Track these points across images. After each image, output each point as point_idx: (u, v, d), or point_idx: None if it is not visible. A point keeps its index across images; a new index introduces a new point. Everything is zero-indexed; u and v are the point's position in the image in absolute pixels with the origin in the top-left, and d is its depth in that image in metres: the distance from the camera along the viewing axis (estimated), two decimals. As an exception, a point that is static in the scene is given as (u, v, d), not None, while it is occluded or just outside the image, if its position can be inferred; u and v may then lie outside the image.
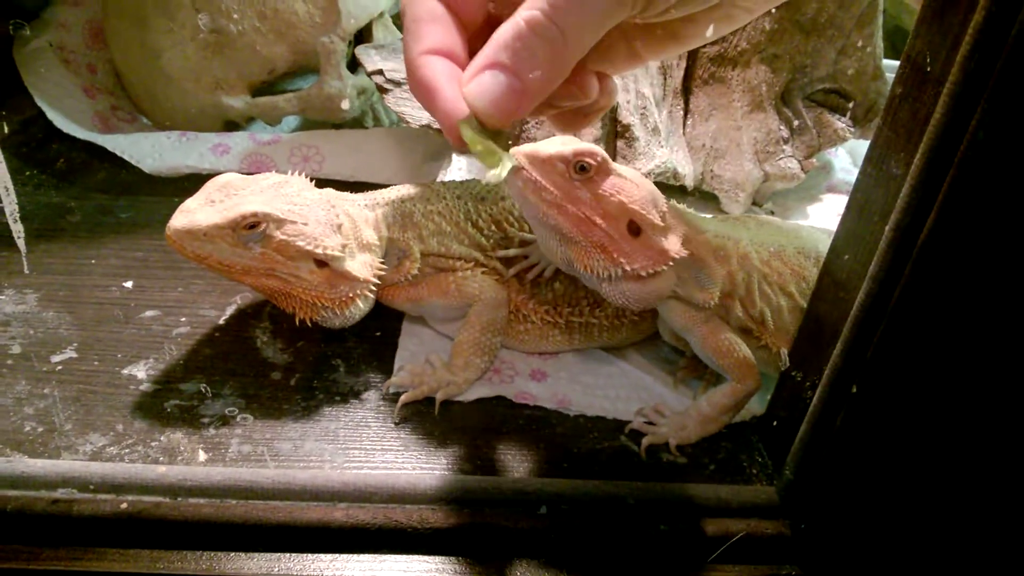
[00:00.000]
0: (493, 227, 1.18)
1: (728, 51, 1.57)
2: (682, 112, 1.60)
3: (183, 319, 1.20)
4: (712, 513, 1.00)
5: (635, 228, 0.95)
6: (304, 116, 1.63)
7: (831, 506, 0.97)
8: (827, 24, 1.53)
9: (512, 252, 1.17)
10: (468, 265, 1.16)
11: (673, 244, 0.96)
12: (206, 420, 1.05)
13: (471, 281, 1.14)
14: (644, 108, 1.49)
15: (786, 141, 1.59)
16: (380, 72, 1.45)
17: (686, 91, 1.61)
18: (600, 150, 0.93)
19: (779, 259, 1.10)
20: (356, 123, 1.66)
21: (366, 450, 1.03)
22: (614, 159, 1.49)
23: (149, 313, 1.21)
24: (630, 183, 0.94)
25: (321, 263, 1.07)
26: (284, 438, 1.04)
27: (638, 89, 1.49)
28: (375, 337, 1.22)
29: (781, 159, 1.59)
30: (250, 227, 1.03)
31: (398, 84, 1.45)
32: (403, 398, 1.10)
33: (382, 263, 1.15)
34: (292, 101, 1.58)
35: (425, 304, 1.18)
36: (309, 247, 1.05)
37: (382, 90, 1.45)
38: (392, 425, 1.08)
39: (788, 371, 1.06)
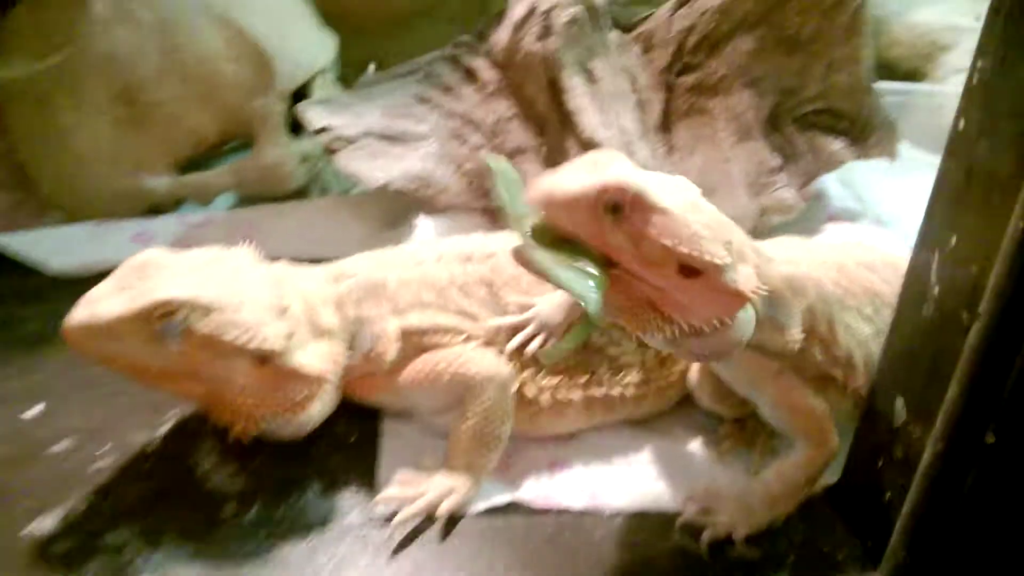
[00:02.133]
0: (484, 291, 0.93)
1: (707, 79, 1.37)
2: (664, 149, 1.38)
3: (106, 448, 0.92)
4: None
5: (691, 271, 0.71)
6: (240, 192, 1.38)
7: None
8: (812, 38, 1.34)
9: (508, 321, 0.92)
10: (459, 339, 0.90)
11: (747, 280, 0.71)
12: (142, 582, 0.76)
13: (465, 359, 0.88)
14: (629, 144, 1.27)
15: (780, 170, 1.38)
16: (327, 129, 1.21)
17: (666, 127, 1.40)
18: (632, 180, 0.69)
19: (846, 277, 0.87)
20: (300, 195, 1.42)
21: (357, 597, 0.76)
22: (602, 204, 1.26)
23: (61, 445, 0.92)
24: (675, 216, 0.69)
25: (261, 359, 0.83)
26: (246, 594, 0.76)
27: (620, 124, 1.27)
28: (350, 444, 0.95)
29: (776, 190, 1.38)
30: (165, 317, 0.78)
31: (350, 141, 1.21)
32: (397, 519, 0.83)
33: (343, 351, 0.89)
34: (225, 176, 1.33)
35: (410, 395, 0.91)
36: (242, 340, 0.81)
37: (330, 150, 1.21)
38: (387, 556, 0.81)
39: (869, 420, 0.82)
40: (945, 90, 1.71)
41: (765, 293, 0.73)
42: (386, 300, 0.92)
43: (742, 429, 0.97)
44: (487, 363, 0.88)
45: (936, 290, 0.66)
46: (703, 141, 1.38)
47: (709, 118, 1.38)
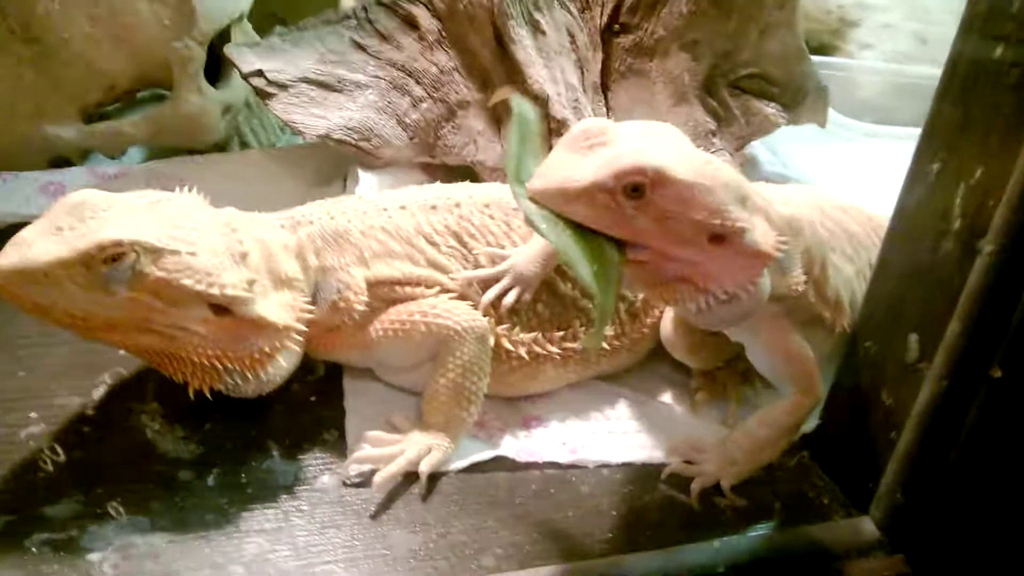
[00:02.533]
0: (452, 241, 0.87)
1: (644, 40, 1.35)
2: (604, 109, 1.36)
3: (32, 415, 0.80)
4: (819, 563, 0.73)
5: (718, 238, 0.67)
6: (155, 143, 1.25)
7: (957, 533, 0.73)
8: (747, 2, 1.34)
9: (481, 273, 0.86)
10: (431, 291, 0.84)
11: (766, 237, 0.69)
12: (95, 556, 0.66)
13: (440, 311, 0.82)
14: (576, 101, 1.23)
15: (715, 133, 1.38)
16: (260, 73, 1.11)
17: (604, 87, 1.37)
18: (649, 158, 0.65)
19: (828, 218, 0.86)
20: (219, 148, 1.30)
21: (345, 562, 0.69)
22: (550, 160, 1.22)
23: (-22, 413, 0.80)
24: (698, 185, 0.66)
25: (220, 308, 0.74)
26: (219, 565, 0.67)
27: (567, 80, 1.23)
28: (310, 403, 0.87)
29: (712, 152, 1.38)
30: (112, 261, 0.69)
31: (284, 87, 1.12)
32: (376, 480, 0.76)
33: (309, 302, 0.81)
34: (140, 125, 1.20)
35: (380, 350, 0.84)
36: (200, 286, 0.72)
37: (263, 95, 1.11)
38: (368, 520, 0.74)
39: (852, 364, 0.82)
40: (854, 64, 1.76)
41: (785, 249, 0.71)
42: (350, 249, 0.84)
43: (713, 380, 0.95)
44: (464, 315, 0.82)
45: (958, 223, 0.65)
46: (640, 103, 1.35)
47: (646, 80, 1.36)
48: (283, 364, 0.80)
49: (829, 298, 0.83)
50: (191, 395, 0.76)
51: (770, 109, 1.39)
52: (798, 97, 1.41)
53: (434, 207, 0.89)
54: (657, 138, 0.68)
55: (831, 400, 0.86)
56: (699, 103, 1.37)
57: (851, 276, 0.86)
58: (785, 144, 1.56)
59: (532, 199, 0.65)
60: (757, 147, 1.59)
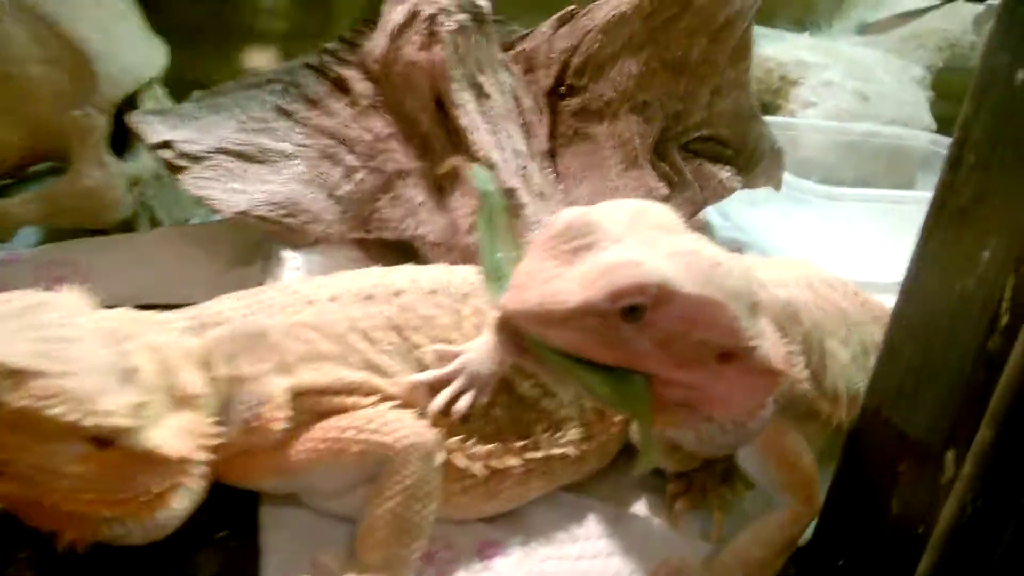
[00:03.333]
0: (393, 337, 0.72)
1: (592, 102, 1.23)
2: (552, 176, 1.23)
3: None
4: None
5: (727, 355, 0.56)
6: (51, 224, 1.08)
7: None
8: (699, 61, 1.24)
9: (429, 376, 0.72)
10: (368, 400, 0.69)
11: (776, 348, 0.58)
12: None
13: (378, 425, 0.67)
14: (524, 168, 1.10)
15: (667, 199, 1.27)
16: (168, 144, 0.95)
17: (552, 152, 1.25)
18: (650, 272, 0.52)
19: (819, 296, 0.74)
20: (126, 228, 1.13)
21: None
22: (499, 233, 1.09)
23: None
24: (708, 300, 0.54)
25: (102, 441, 0.58)
26: None
27: (514, 147, 1.11)
28: (218, 542, 0.71)
29: (666, 220, 1.27)
30: None
31: (197, 159, 0.96)
32: (300, 646, 0.60)
33: (216, 423, 0.65)
34: (32, 203, 1.03)
35: (304, 476, 0.69)
36: (72, 416, 0.56)
37: (173, 168, 0.95)
38: None
39: (854, 462, 0.69)
40: (798, 122, 1.70)
41: (801, 369, 0.59)
42: (268, 353, 0.69)
43: (691, 484, 0.82)
44: (407, 428, 0.67)
45: (1006, 319, 0.53)
46: (590, 168, 1.24)
47: (595, 144, 1.25)
48: (184, 502, 0.63)
49: (827, 389, 0.71)
50: (58, 550, 0.59)
51: (725, 173, 1.29)
52: (753, 159, 1.32)
53: (370, 297, 0.74)
54: (653, 234, 0.55)
55: (827, 509, 0.73)
56: (651, 167, 1.25)
57: (847, 362, 0.74)
58: (737, 208, 1.46)
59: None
60: (710, 211, 1.49)
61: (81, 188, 1.03)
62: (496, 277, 0.57)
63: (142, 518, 0.61)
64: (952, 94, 1.92)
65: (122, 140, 1.12)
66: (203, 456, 0.63)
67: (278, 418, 0.66)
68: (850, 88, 1.75)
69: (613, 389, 0.53)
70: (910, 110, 1.77)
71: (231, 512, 0.73)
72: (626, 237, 0.54)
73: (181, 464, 0.62)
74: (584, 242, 0.54)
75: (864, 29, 1.99)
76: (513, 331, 0.54)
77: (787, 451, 0.67)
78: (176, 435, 0.62)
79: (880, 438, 0.67)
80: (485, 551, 0.73)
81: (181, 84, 1.18)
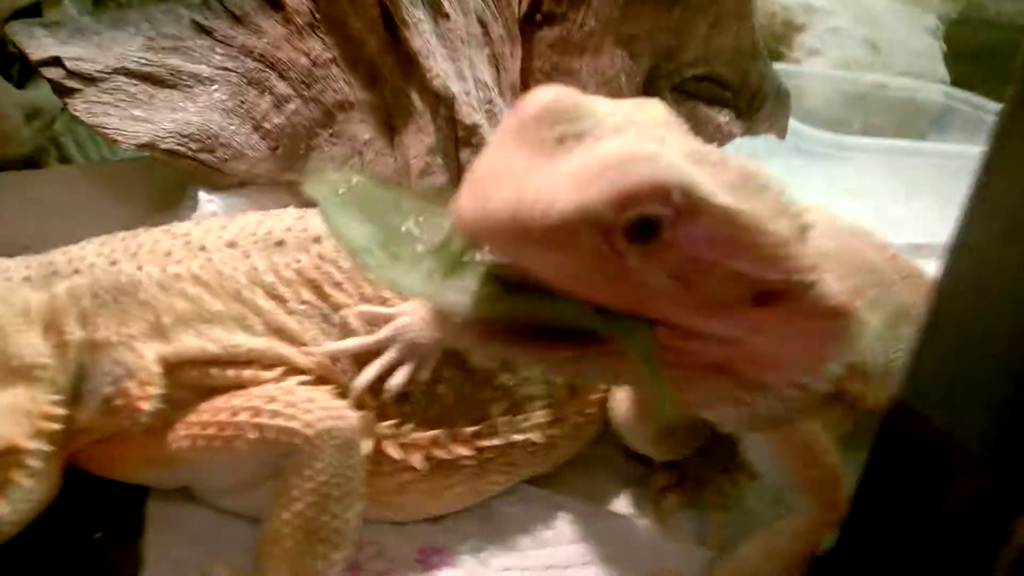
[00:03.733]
0: (307, 294, 0.57)
1: (573, 33, 1.07)
2: (526, 116, 1.07)
3: None
4: None
5: (769, 296, 0.40)
6: (-71, 159, 0.91)
7: None
8: (695, -12, 1.09)
9: (353, 344, 0.56)
10: (272, 373, 0.53)
11: (832, 280, 0.41)
12: None
13: (281, 405, 0.51)
14: (490, 103, 0.94)
15: (657, 146, 1.12)
16: (56, 61, 0.78)
17: (524, 88, 1.09)
18: (673, 170, 0.36)
19: (843, 247, 0.60)
20: (28, 166, 0.96)
21: None
22: (459, 177, 0.93)
23: None
24: (746, 215, 0.38)
25: None
26: None
27: (477, 76, 0.94)
28: (92, 545, 0.55)
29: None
30: None
31: (91, 80, 0.79)
32: None
33: (62, 401, 0.50)
34: (-99, 135, 0.86)
35: (185, 469, 0.53)
36: None
37: (62, 90, 0.78)
38: None
39: (890, 453, 0.54)
40: (802, 70, 1.54)
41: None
42: (138, 311, 0.53)
43: (683, 476, 0.67)
44: (321, 410, 0.51)
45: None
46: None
47: (574, 81, 1.08)
48: (20, 500, 0.48)
49: (855, 365, 0.55)
50: None
51: (723, 117, 1.13)
52: (755, 103, 1.16)
53: (281, 243, 0.58)
54: (662, 131, 0.39)
55: (854, 510, 0.58)
56: (639, 109, 1.10)
57: (878, 330, 0.59)
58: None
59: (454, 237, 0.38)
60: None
61: (-38, 117, 0.86)
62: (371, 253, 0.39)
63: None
64: (967, 48, 1.77)
65: (22, 66, 0.95)
66: (43, 445, 0.48)
67: (147, 395, 0.50)
68: (859, 36, 1.59)
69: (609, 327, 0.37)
70: (923, 61, 1.62)
71: (112, 506, 0.57)
72: (630, 129, 0.38)
73: (10, 455, 0.46)
74: (573, 129, 0.37)
75: (872, -26, 1.83)
76: (459, 338, 0.38)
77: (808, 444, 0.52)
78: (4, 417, 0.46)
79: (921, 431, 0.53)
80: (428, 559, 0.58)
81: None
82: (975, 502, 0.48)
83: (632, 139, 0.38)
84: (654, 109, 0.44)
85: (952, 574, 0.51)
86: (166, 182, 0.93)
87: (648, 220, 0.36)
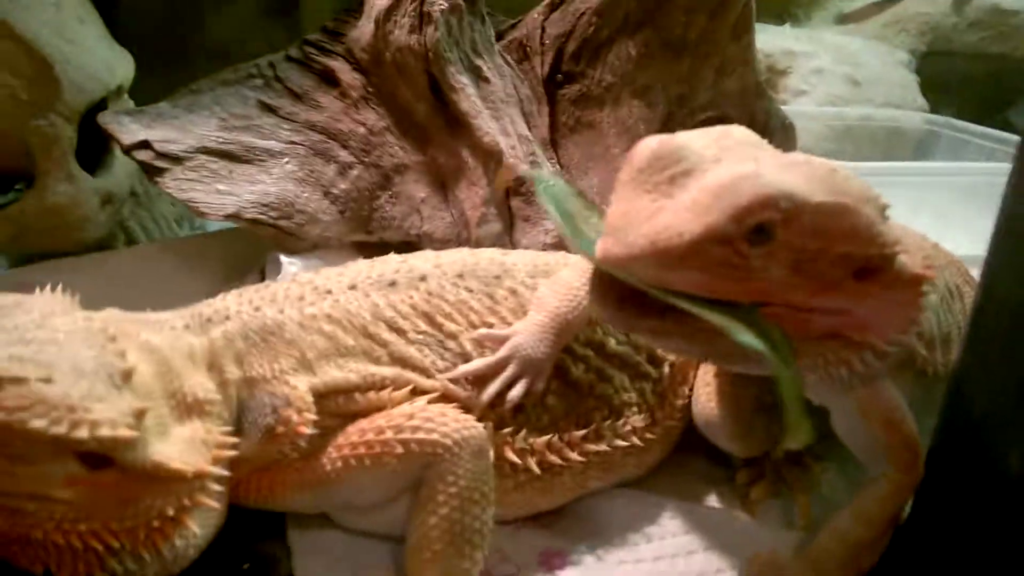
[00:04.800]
0: (423, 325, 0.63)
1: (592, 89, 1.16)
2: (557, 167, 1.16)
3: None
4: None
5: (865, 271, 0.49)
6: (17, 247, 0.98)
7: None
8: (700, 40, 1.18)
9: (477, 365, 0.62)
10: (404, 395, 0.59)
11: (913, 252, 0.52)
12: None
13: (420, 421, 0.57)
14: (533, 155, 1.03)
15: (677, 186, 1.20)
16: (145, 144, 0.86)
17: (553, 143, 1.17)
18: (773, 184, 0.45)
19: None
20: (101, 248, 1.02)
21: None
22: (511, 223, 1.01)
23: None
24: (841, 206, 0.47)
25: (93, 458, 0.48)
26: None
27: (519, 132, 1.03)
28: (241, 573, 0.60)
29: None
30: None
31: (178, 159, 0.87)
32: None
33: (231, 432, 0.55)
34: (-7, 225, 0.92)
35: (339, 488, 0.58)
36: (59, 428, 0.46)
37: (152, 171, 0.86)
38: None
39: (958, 418, 0.61)
40: (792, 110, 1.65)
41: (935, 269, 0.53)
42: (286, 350, 0.59)
43: (762, 472, 0.73)
44: (455, 422, 0.58)
45: None
46: (596, 159, 1.16)
47: (598, 133, 1.17)
48: (197, 531, 0.53)
49: (925, 334, 0.63)
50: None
51: (735, 154, 1.22)
52: (763, 138, 1.25)
53: (393, 283, 0.65)
54: (750, 151, 0.49)
55: (929, 473, 0.64)
56: (658, 153, 1.18)
57: (935, 304, 0.67)
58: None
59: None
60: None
61: (48, 205, 0.93)
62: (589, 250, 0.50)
63: (158, 546, 0.50)
64: (938, 79, 1.89)
65: (93, 155, 1.02)
66: (219, 471, 0.53)
67: (306, 420, 0.57)
68: (840, 74, 1.71)
69: (751, 330, 0.45)
70: (901, 92, 1.73)
71: (251, 541, 0.62)
72: (724, 157, 0.47)
73: (194, 480, 0.52)
74: (680, 169, 0.46)
75: (843, 19, 1.97)
76: (611, 286, 0.46)
77: (891, 408, 0.59)
78: (186, 447, 0.52)
79: (989, 386, 0.59)
80: (550, 561, 0.63)
81: (151, 91, 1.08)
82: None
83: (732, 164, 0.47)
84: (738, 132, 0.53)
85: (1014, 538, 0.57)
86: (237, 252, 1.00)
87: (763, 226, 0.45)
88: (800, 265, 0.46)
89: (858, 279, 0.49)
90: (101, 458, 0.48)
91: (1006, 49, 1.89)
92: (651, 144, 0.49)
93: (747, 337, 0.45)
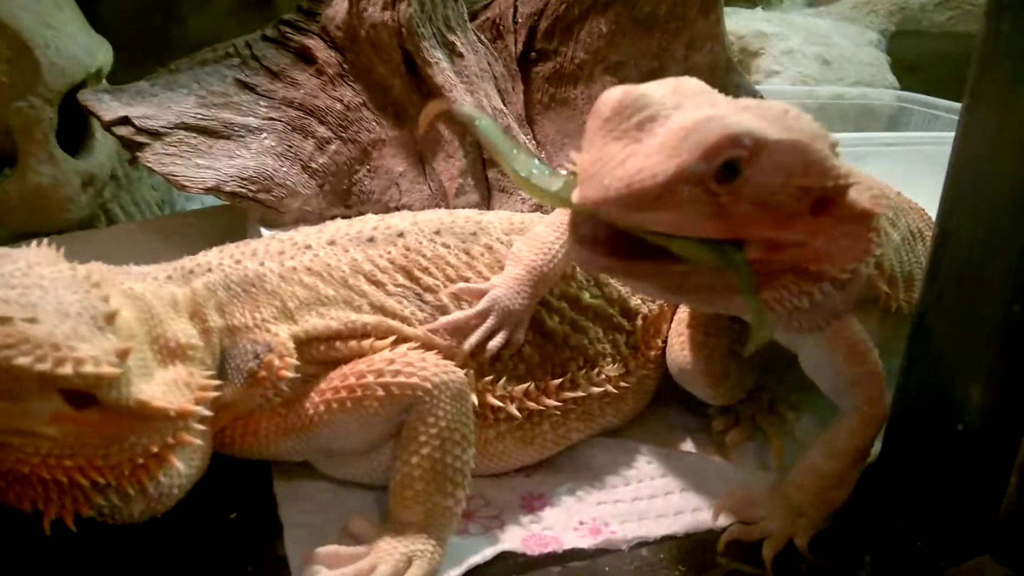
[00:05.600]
0: (401, 279, 0.65)
1: (565, 66, 1.18)
2: (532, 143, 1.18)
3: None
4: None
5: (820, 203, 0.52)
6: (0, 228, 0.98)
7: None
8: (668, 16, 1.21)
9: (457, 317, 0.64)
10: (386, 342, 0.61)
11: (859, 192, 0.55)
12: None
13: (400, 365, 0.59)
14: (508, 127, 1.04)
15: (652, 160, 1.22)
16: (125, 120, 0.87)
17: (528, 120, 1.19)
18: (738, 123, 0.48)
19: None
20: (85, 227, 1.03)
21: None
22: (488, 193, 1.03)
23: None
24: (799, 143, 0.50)
25: (78, 396, 0.49)
26: None
27: (494, 106, 1.05)
28: (229, 522, 0.61)
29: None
30: None
31: (157, 135, 0.88)
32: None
33: (212, 376, 0.57)
34: (-25, 206, 0.94)
35: (322, 433, 0.60)
36: (44, 365, 0.47)
37: (133, 146, 0.87)
38: None
39: (926, 350, 0.63)
40: (764, 89, 1.68)
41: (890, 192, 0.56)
42: (267, 299, 0.61)
43: (737, 418, 0.75)
44: (434, 367, 0.59)
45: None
46: (570, 135, 1.18)
47: (572, 110, 1.19)
48: (181, 468, 0.54)
49: (884, 269, 0.65)
50: (46, 529, 0.50)
51: (708, 127, 1.25)
52: (735, 112, 1.28)
53: (371, 239, 0.67)
54: (707, 97, 0.52)
55: (897, 409, 0.66)
56: (632, 128, 1.20)
57: (898, 243, 0.69)
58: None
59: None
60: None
61: (30, 186, 0.94)
62: (539, 182, 0.51)
63: (142, 483, 0.51)
64: (907, 57, 1.93)
65: (75, 140, 1.04)
66: (202, 411, 0.54)
67: (287, 365, 0.58)
68: (811, 54, 1.74)
69: (720, 260, 0.48)
70: (872, 70, 1.77)
71: (238, 491, 0.64)
72: (684, 103, 0.49)
73: (177, 419, 0.53)
74: (645, 115, 0.48)
75: (813, 1, 2.00)
76: (592, 229, 0.48)
77: (855, 341, 0.61)
78: (169, 388, 0.54)
79: (950, 323, 0.62)
80: (531, 503, 0.65)
81: (131, 74, 1.09)
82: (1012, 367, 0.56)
83: (694, 109, 0.49)
84: (691, 83, 0.55)
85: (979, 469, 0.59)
86: (218, 229, 1.00)
87: (730, 163, 0.47)
88: (764, 200, 0.49)
89: (814, 214, 0.51)
90: (85, 396, 0.49)
91: (973, 28, 1.91)
92: (615, 94, 0.51)
93: (705, 255, 0.47)
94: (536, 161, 0.52)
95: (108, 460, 0.50)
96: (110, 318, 0.51)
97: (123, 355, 0.50)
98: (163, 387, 0.53)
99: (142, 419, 0.51)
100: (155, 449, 0.52)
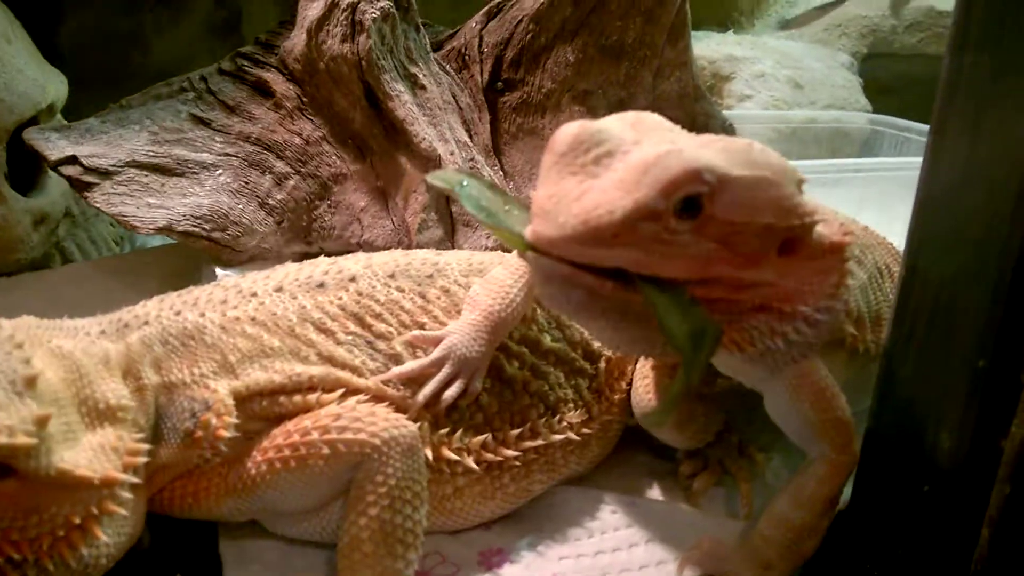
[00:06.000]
0: (352, 326, 0.62)
1: (532, 96, 1.17)
2: (501, 174, 1.16)
3: None
4: None
5: (789, 244, 0.51)
6: (-56, 270, 0.95)
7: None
8: (636, 44, 1.20)
9: (410, 367, 0.61)
10: (334, 396, 0.58)
11: (827, 225, 0.53)
12: None
13: (347, 421, 0.56)
14: (473, 160, 1.02)
15: (622, 189, 1.21)
16: (73, 160, 0.84)
17: (496, 150, 1.17)
18: (698, 157, 0.46)
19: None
20: (37, 268, 1.00)
21: None
22: (452, 228, 1.00)
23: None
24: (763, 180, 0.48)
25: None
26: None
27: (458, 139, 1.03)
28: (170, 586, 0.58)
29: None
30: None
31: (106, 174, 0.85)
32: None
33: (144, 439, 0.54)
34: (-82, 249, 0.90)
35: (265, 494, 0.57)
36: None
37: (80, 185, 0.84)
38: None
39: (894, 392, 0.61)
40: (736, 114, 1.67)
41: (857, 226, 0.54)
42: (206, 353, 0.58)
43: (706, 462, 0.73)
44: (384, 421, 0.56)
45: None
46: (539, 166, 1.16)
47: (540, 139, 1.17)
48: (107, 539, 0.51)
49: (851, 310, 0.63)
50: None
51: (677, 155, 1.23)
52: (705, 140, 1.26)
53: (322, 285, 0.64)
54: (667, 134, 0.50)
55: (866, 455, 0.64)
56: (601, 158, 1.19)
57: (864, 282, 0.67)
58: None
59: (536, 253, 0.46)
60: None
61: (-23, 227, 0.90)
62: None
63: (63, 556, 0.48)
64: (879, 80, 1.93)
65: (27, 176, 1.00)
66: (129, 478, 0.51)
67: (226, 424, 0.55)
68: (783, 77, 1.74)
69: (681, 315, 0.45)
70: (844, 93, 1.77)
71: (182, 553, 0.61)
72: (643, 138, 0.47)
73: (104, 487, 0.50)
74: (603, 150, 0.46)
75: (785, 24, 2.00)
76: (552, 267, 0.46)
77: (821, 387, 0.59)
78: (96, 454, 0.50)
79: (918, 366, 0.60)
80: (488, 559, 0.62)
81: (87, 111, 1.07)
82: (981, 412, 0.54)
83: (654, 144, 0.47)
84: (651, 118, 0.53)
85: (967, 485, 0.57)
86: (173, 268, 0.98)
87: (690, 199, 0.45)
88: (727, 239, 0.47)
89: (781, 253, 0.50)
90: (2, 467, 0.46)
91: (943, 49, 1.93)
92: (571, 129, 0.49)
93: (670, 319, 0.45)
94: (514, 219, 0.51)
95: (25, 533, 0.47)
96: (30, 382, 0.48)
97: (42, 423, 0.47)
98: (88, 453, 0.50)
99: (64, 489, 0.48)
100: (77, 520, 0.49)
